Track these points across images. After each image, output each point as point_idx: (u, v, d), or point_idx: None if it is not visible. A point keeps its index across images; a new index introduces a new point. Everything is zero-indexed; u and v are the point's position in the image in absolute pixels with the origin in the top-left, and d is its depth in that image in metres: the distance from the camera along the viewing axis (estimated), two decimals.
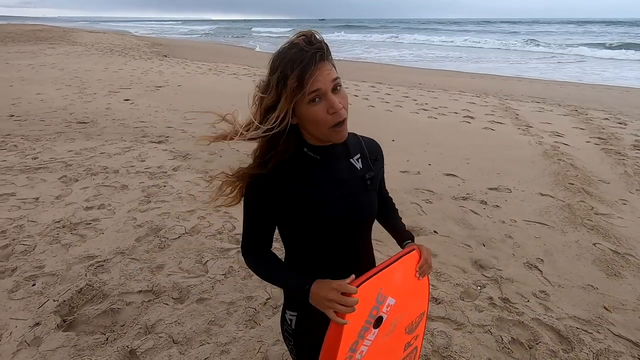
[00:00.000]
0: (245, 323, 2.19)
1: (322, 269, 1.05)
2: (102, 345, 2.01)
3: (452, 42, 29.34)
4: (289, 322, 1.11)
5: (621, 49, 21.53)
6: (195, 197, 3.74)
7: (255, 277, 2.58)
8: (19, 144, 5.15)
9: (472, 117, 6.98)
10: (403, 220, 1.27)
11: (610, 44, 24.23)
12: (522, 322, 2.22)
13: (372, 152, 1.10)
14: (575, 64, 16.58)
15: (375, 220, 1.16)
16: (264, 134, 0.92)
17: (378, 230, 1.25)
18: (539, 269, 2.73)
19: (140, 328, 2.13)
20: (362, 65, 15.62)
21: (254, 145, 1.00)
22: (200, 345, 2.03)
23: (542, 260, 2.84)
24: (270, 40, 33.28)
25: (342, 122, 0.93)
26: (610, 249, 2.97)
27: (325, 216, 0.98)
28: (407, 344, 1.13)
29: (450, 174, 4.44)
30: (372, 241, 1.17)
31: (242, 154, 4.89)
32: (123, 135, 5.65)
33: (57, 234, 3.03)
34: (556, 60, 18.46)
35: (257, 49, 24.79)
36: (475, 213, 3.54)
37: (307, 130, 0.97)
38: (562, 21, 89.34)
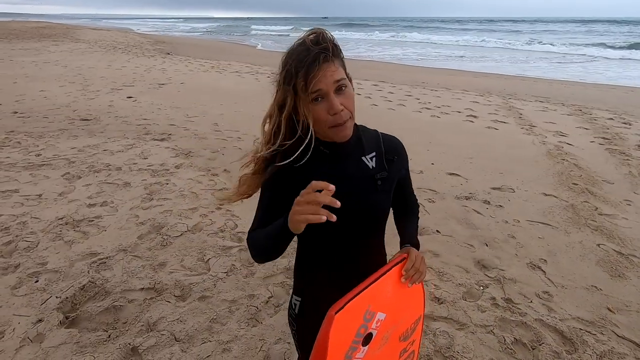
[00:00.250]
0: (247, 321, 2.19)
1: (329, 265, 1.05)
2: (104, 342, 2.02)
3: (456, 41, 29.21)
4: (294, 307, 1.12)
5: (630, 49, 21.13)
6: (198, 194, 3.74)
7: (257, 275, 2.58)
8: (23, 140, 5.16)
9: (475, 116, 6.94)
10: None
11: (614, 44, 23.99)
12: (525, 322, 2.21)
13: (390, 152, 1.06)
14: (578, 64, 16.48)
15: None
16: (282, 144, 0.96)
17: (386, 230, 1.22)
18: (542, 270, 2.72)
19: (142, 325, 2.14)
20: (365, 64, 15.56)
21: (253, 146, 1.02)
22: (202, 343, 2.03)
23: (545, 260, 2.83)
24: (272, 38, 33.24)
25: (343, 123, 0.92)
26: (614, 250, 2.95)
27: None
28: (403, 351, 1.08)
29: (453, 174, 4.42)
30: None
31: (244, 151, 4.88)
32: (126, 133, 5.66)
33: (60, 231, 3.04)
34: (559, 59, 18.35)
35: (259, 46, 24.77)
36: (478, 213, 3.53)
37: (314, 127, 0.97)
38: (565, 20, 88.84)
